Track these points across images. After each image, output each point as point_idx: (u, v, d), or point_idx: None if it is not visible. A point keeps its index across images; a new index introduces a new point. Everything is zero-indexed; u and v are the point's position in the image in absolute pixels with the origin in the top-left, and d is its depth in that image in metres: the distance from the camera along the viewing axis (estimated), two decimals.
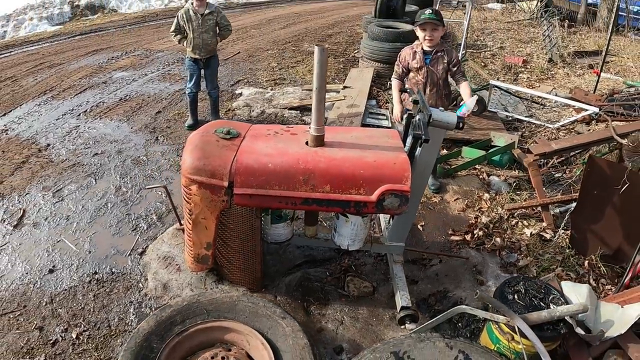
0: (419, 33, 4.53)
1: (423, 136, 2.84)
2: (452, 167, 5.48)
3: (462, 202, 4.92)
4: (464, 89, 4.48)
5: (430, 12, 4.40)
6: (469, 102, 4.30)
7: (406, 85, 4.68)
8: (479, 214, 4.68)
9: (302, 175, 2.87)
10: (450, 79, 4.74)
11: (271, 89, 8.35)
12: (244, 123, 3.52)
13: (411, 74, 4.71)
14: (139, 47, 11.26)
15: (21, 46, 11.99)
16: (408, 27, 9.33)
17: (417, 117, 3.10)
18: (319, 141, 3.04)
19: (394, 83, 4.78)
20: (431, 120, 2.99)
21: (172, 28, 6.14)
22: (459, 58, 4.64)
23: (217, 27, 6.24)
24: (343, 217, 3.29)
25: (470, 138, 6.11)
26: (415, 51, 4.63)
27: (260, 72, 9.53)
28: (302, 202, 2.94)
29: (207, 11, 6.05)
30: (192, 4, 6.03)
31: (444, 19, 4.57)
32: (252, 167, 2.88)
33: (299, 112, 7.23)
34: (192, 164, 2.95)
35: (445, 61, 4.54)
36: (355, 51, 11.25)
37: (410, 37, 8.99)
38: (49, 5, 16.97)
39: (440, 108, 3.33)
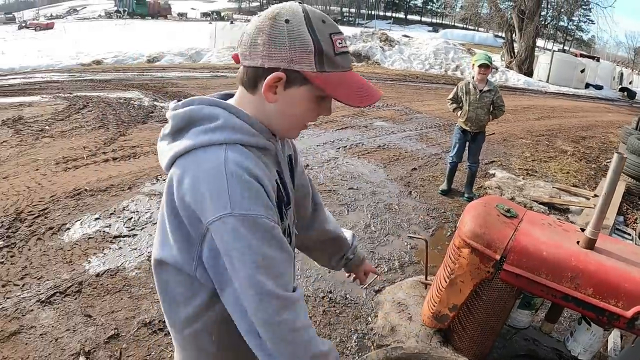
0: None
1: None
2: None
3: None
4: None
5: None
6: None
7: None
8: None
9: (571, 272, 2.90)
10: None
11: (523, 178, 8.32)
12: (520, 206, 3.66)
13: None
14: (399, 103, 11.96)
15: None
16: None
17: None
18: (592, 244, 3.06)
19: None
20: None
21: (450, 96, 6.47)
22: None
23: (492, 106, 6.38)
24: (585, 324, 3.24)
25: None
26: None
27: (514, 158, 9.58)
28: (562, 297, 2.95)
29: (486, 88, 6.24)
30: (472, 77, 6.29)
31: None
32: (527, 249, 2.98)
33: (547, 208, 7.11)
34: (473, 230, 3.13)
35: None
36: (608, 160, 10.76)
37: None
38: None
39: None
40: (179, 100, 1.37)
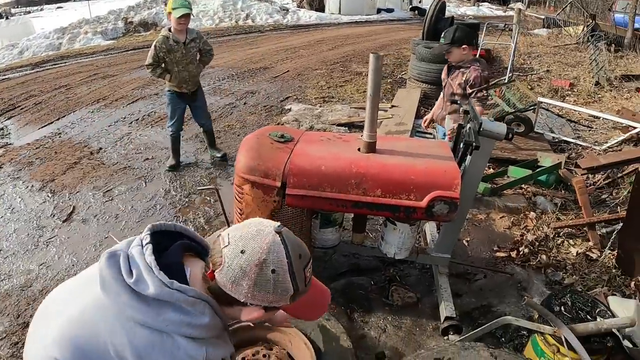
0: None
1: (474, 143, 2.87)
2: (499, 185, 5.45)
3: (507, 219, 4.89)
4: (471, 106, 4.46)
5: (443, 36, 4.50)
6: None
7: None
8: (525, 232, 4.64)
9: (354, 179, 2.91)
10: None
11: (320, 106, 8.47)
12: (297, 129, 3.61)
13: None
14: None
15: (75, 58, 12.48)
16: None
17: (468, 125, 3.13)
18: (371, 147, 3.09)
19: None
20: (481, 130, 3.02)
21: (149, 60, 5.28)
22: (480, 82, 4.41)
23: (199, 54, 5.57)
24: (391, 224, 3.31)
25: (516, 158, 6.09)
26: (449, 66, 4.71)
27: (310, 89, 9.70)
28: (353, 205, 2.97)
29: (189, 38, 5.35)
30: (169, 30, 5.28)
31: (474, 38, 4.56)
32: (305, 168, 2.94)
33: (347, 128, 7.31)
34: (247, 164, 3.02)
35: (463, 79, 4.48)
36: (403, 73, 11.35)
37: None
38: (103, 20, 17.60)
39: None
40: (166, 271, 1.29)
